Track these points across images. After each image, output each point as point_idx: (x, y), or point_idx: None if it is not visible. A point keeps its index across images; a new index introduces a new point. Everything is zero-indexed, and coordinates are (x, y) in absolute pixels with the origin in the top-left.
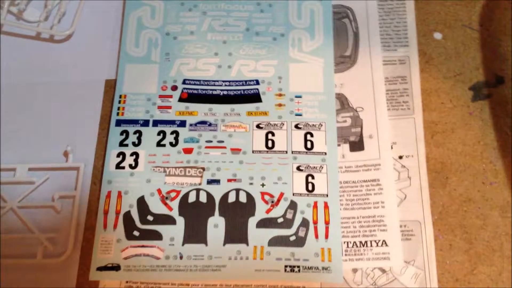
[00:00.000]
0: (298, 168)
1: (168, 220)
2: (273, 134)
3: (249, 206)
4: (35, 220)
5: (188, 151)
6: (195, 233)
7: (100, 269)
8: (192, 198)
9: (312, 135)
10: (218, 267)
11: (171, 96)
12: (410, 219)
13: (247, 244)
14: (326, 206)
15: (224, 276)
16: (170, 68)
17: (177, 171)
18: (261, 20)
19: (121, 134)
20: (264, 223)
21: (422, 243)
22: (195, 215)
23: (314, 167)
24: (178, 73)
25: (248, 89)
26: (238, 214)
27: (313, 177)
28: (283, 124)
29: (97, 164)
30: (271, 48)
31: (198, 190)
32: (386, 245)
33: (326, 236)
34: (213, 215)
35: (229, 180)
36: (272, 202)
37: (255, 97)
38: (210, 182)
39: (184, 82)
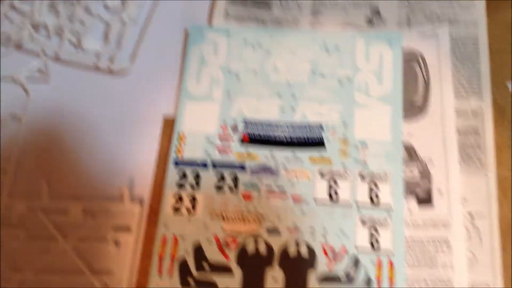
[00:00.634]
0: (361, 221)
1: (225, 269)
2: (336, 183)
3: (310, 259)
4: (86, 260)
5: (247, 197)
6: (252, 285)
7: None
8: (250, 247)
9: (377, 186)
10: None
11: (231, 137)
12: (479, 283)
13: None
14: (391, 264)
15: None
16: (231, 108)
17: (236, 217)
18: (327, 61)
19: (179, 174)
20: (325, 278)
21: None
22: (253, 265)
23: (378, 221)
24: (239, 113)
25: (311, 134)
26: (298, 266)
27: (377, 231)
28: (347, 173)
29: (153, 204)
30: (336, 92)
31: (256, 239)
32: None
33: None
34: (271, 267)
35: (289, 230)
36: (334, 256)
37: (319, 143)
38: (269, 231)
39: (244, 122)
